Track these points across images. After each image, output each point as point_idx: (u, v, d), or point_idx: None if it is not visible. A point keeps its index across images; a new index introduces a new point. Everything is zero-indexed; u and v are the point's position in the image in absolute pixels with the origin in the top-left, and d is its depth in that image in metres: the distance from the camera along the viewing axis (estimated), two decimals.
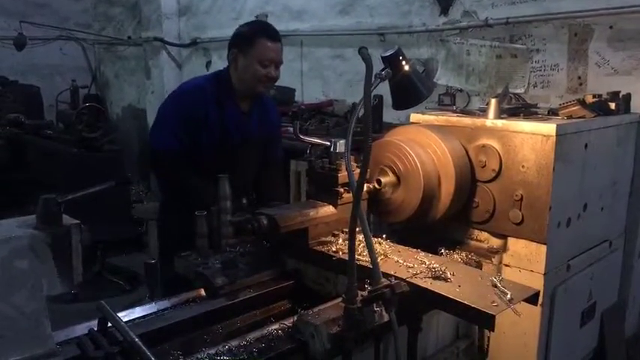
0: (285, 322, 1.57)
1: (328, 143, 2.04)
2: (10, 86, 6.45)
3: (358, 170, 1.59)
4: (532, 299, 1.68)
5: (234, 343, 1.46)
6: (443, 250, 2.16)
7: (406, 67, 1.81)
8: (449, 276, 1.71)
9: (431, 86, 2.05)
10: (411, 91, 1.89)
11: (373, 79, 1.58)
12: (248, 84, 2.62)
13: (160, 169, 2.77)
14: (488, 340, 2.18)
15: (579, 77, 3.45)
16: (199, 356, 1.39)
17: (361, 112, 1.59)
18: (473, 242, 2.25)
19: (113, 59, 8.01)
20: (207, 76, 2.85)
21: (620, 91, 2.60)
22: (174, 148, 2.58)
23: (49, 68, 7.51)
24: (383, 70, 1.77)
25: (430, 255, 1.93)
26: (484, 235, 2.23)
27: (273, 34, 2.62)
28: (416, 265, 1.80)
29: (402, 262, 1.83)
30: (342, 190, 1.99)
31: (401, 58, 1.80)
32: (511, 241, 2.16)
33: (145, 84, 7.05)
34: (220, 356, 1.40)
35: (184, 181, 2.63)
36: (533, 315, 2.02)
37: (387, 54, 1.79)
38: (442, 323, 2.07)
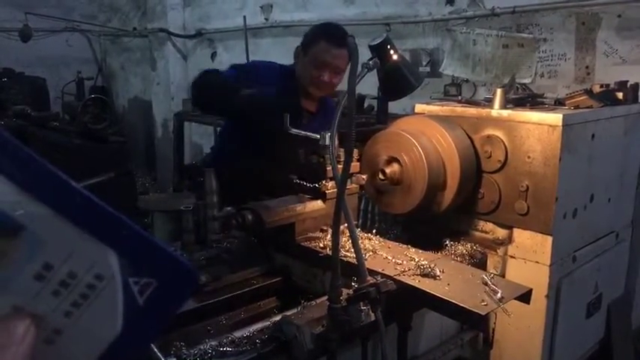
0: (269, 322, 1.52)
1: (318, 136, 1.96)
2: (16, 78, 6.47)
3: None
4: (524, 298, 1.63)
5: (213, 342, 1.41)
6: (448, 242, 2.15)
7: (395, 57, 1.75)
8: (438, 273, 1.66)
9: (421, 76, 2.01)
10: (400, 81, 1.83)
11: (360, 68, 1.53)
12: (304, 84, 2.60)
13: (205, 87, 2.56)
14: (494, 332, 2.18)
15: (587, 67, 3.43)
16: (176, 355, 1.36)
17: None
18: (478, 233, 2.24)
19: (119, 51, 8.02)
20: (282, 65, 2.80)
21: (628, 81, 2.57)
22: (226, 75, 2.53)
23: (54, 60, 7.53)
24: (370, 59, 1.70)
25: (420, 251, 1.89)
26: (489, 225, 2.21)
27: (335, 39, 2.52)
28: (405, 262, 1.75)
29: (391, 259, 1.79)
30: (329, 184, 1.94)
31: (389, 46, 1.74)
32: (516, 232, 2.14)
33: (151, 75, 7.06)
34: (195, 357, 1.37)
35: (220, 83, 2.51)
36: (538, 306, 2.00)
37: (375, 42, 1.73)
38: None
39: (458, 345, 2.12)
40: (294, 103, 2.61)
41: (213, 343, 1.41)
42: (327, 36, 2.53)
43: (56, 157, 5.31)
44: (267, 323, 1.51)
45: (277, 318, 1.53)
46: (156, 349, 1.27)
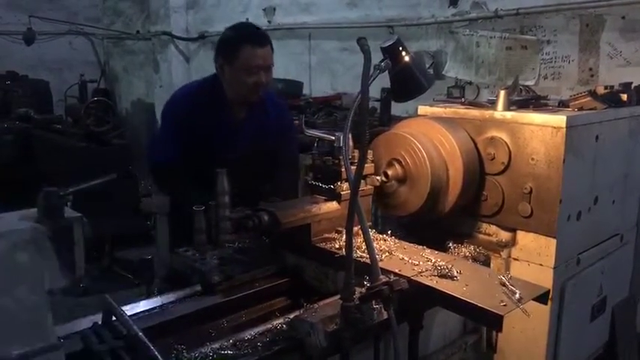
0: (280, 320, 1.53)
1: (333, 138, 1.98)
2: (19, 81, 6.49)
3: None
4: (542, 298, 1.64)
5: (222, 343, 1.42)
6: (451, 244, 2.13)
7: (406, 58, 1.76)
8: (455, 274, 1.67)
9: (432, 78, 2.01)
10: (411, 83, 1.84)
11: (372, 70, 1.53)
12: (238, 93, 2.55)
13: (160, 181, 2.74)
14: (497, 335, 2.16)
15: (590, 69, 3.41)
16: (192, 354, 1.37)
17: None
18: (481, 236, 2.22)
19: (122, 53, 8.03)
20: (199, 82, 2.79)
21: (632, 82, 2.55)
22: (173, 159, 2.54)
23: (58, 63, 7.54)
24: (382, 61, 1.71)
25: (437, 252, 1.89)
26: (493, 228, 2.20)
27: (258, 39, 2.51)
28: (421, 263, 1.76)
29: (408, 260, 1.79)
30: (344, 185, 1.95)
31: (400, 48, 1.75)
32: (520, 234, 2.13)
33: (154, 78, 7.06)
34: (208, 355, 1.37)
35: (183, 194, 2.59)
36: (542, 309, 1.98)
37: (387, 44, 1.74)
38: (449, 318, 2.05)
39: (461, 349, 2.11)
40: (227, 118, 2.60)
41: (214, 345, 1.41)
42: (249, 39, 2.50)
43: (59, 159, 5.32)
44: (269, 326, 1.51)
45: (280, 321, 1.53)
46: (156, 352, 1.27)
